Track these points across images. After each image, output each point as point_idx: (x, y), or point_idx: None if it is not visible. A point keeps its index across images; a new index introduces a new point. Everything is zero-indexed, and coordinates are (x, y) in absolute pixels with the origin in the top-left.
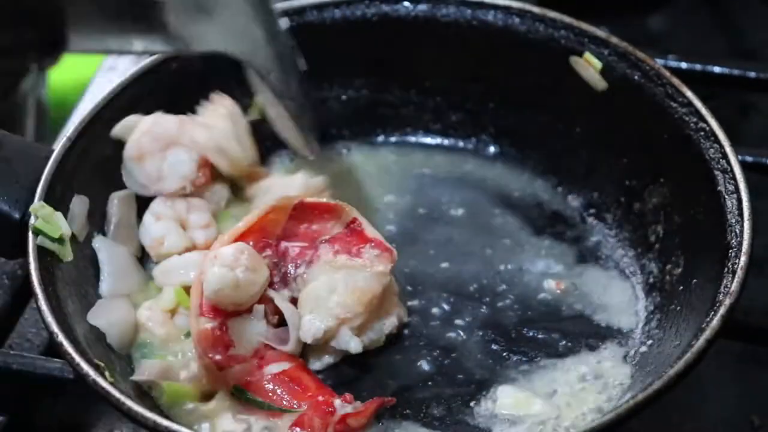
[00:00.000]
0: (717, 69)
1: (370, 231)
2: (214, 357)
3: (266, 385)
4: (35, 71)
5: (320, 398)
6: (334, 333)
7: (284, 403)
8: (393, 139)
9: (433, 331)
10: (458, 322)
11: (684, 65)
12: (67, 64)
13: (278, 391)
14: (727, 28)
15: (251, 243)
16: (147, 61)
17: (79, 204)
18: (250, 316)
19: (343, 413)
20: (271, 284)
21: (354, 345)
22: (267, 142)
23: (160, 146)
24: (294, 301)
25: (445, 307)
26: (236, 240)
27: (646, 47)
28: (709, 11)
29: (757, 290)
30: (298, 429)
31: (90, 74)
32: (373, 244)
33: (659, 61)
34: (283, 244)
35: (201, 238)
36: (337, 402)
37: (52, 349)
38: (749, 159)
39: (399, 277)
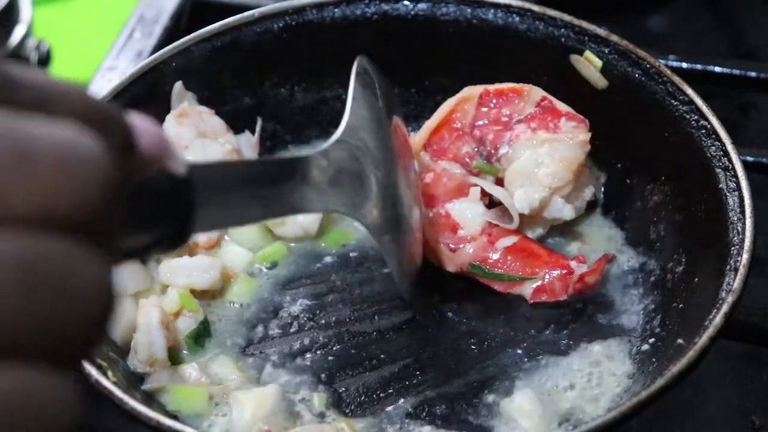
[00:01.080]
0: (717, 69)
1: (561, 106)
2: (446, 240)
3: (501, 259)
4: None
5: (555, 263)
6: (547, 203)
7: (522, 272)
8: None
9: (437, 329)
10: (463, 319)
11: (684, 65)
12: (67, 64)
13: (514, 263)
14: (727, 28)
15: (446, 135)
16: (148, 60)
17: None
18: (467, 200)
19: (581, 273)
20: (471, 172)
21: (568, 211)
22: (267, 142)
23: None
24: (499, 181)
25: (450, 305)
26: (432, 133)
27: (647, 47)
28: (710, 11)
29: (758, 290)
30: (541, 294)
31: (90, 74)
32: (567, 117)
33: (660, 61)
34: (477, 131)
35: (203, 237)
36: (573, 263)
37: None
38: (750, 159)
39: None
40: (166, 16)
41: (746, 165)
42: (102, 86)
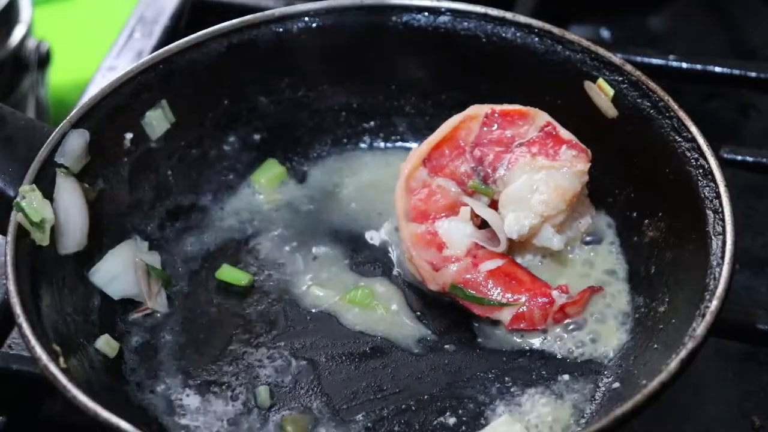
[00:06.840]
0: (717, 69)
1: (564, 133)
2: (429, 258)
3: (483, 282)
4: (35, 71)
5: (537, 290)
6: (537, 230)
7: (503, 297)
8: (405, 147)
9: (410, 346)
10: (438, 339)
11: (684, 65)
12: (67, 64)
13: (496, 287)
14: (727, 28)
15: (446, 151)
16: (157, 52)
17: (77, 138)
18: (457, 219)
19: (561, 303)
20: (466, 191)
21: (557, 241)
22: (275, 147)
23: None
24: (493, 204)
25: (427, 323)
26: (434, 148)
27: (646, 47)
28: (710, 11)
29: (757, 290)
30: (520, 322)
31: (90, 74)
32: (569, 145)
33: (659, 61)
34: (478, 151)
35: None
36: (555, 293)
37: None
38: (749, 159)
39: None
40: (166, 16)
41: (746, 165)
42: (102, 86)
